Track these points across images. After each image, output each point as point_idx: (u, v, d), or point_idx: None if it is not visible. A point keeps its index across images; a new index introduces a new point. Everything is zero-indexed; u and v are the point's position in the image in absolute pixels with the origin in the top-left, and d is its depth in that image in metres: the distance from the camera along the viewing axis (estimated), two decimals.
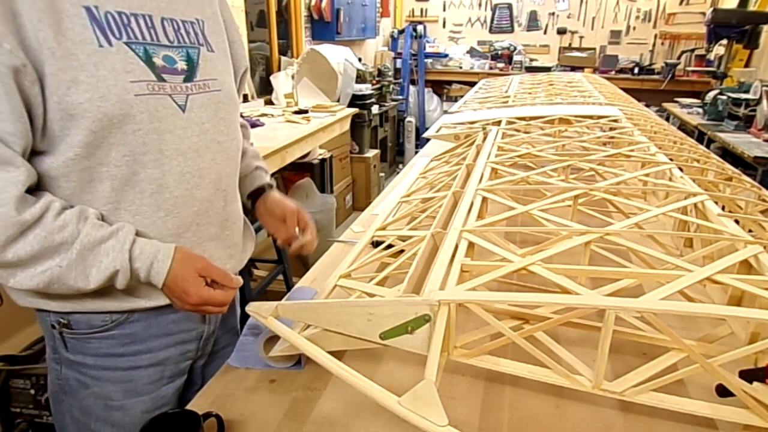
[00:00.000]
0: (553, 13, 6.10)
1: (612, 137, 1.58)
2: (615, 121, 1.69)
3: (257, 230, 1.22)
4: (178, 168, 0.80)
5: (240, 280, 0.83)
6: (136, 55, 0.74)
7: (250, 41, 3.78)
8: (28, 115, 0.68)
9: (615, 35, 5.94)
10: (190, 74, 0.80)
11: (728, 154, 2.95)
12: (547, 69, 5.52)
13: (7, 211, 0.66)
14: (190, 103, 0.80)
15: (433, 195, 1.21)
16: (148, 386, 0.89)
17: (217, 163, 0.87)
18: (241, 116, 1.05)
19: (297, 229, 1.04)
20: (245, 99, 3.47)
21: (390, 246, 1.05)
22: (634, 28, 5.88)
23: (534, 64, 6.09)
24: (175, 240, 0.82)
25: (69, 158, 0.71)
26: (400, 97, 5.74)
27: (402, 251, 1.01)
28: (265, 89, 3.89)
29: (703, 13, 4.97)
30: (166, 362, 0.90)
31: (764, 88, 3.17)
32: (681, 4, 5.64)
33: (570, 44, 6.12)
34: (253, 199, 1.07)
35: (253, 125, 2.85)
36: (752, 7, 4.23)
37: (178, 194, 0.81)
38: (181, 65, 0.79)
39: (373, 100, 4.46)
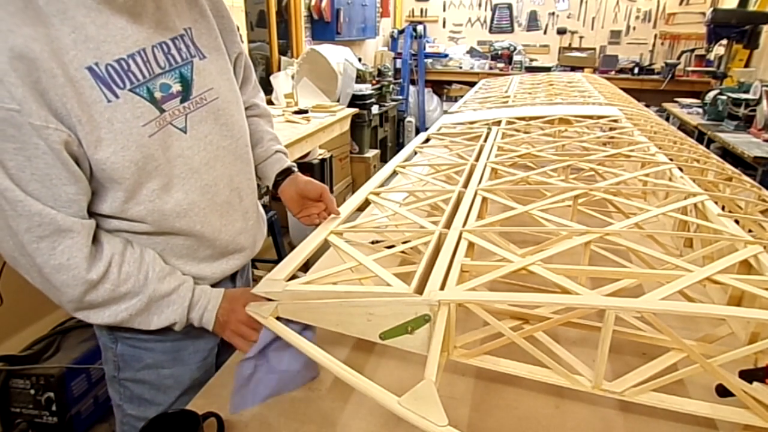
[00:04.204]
0: (553, 13, 6.10)
1: (612, 137, 1.58)
2: (615, 121, 1.69)
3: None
4: (197, 184, 0.86)
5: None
6: (142, 98, 0.77)
7: (250, 41, 3.78)
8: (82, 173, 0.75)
9: (615, 35, 5.94)
10: (186, 94, 0.84)
11: (728, 154, 2.95)
12: (547, 69, 5.52)
13: (78, 272, 0.75)
14: (189, 122, 0.84)
15: (433, 181, 1.21)
16: (194, 355, 0.98)
17: (227, 167, 0.92)
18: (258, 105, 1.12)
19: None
20: None
21: (391, 246, 1.05)
22: (634, 28, 5.88)
23: (534, 64, 6.09)
24: (213, 242, 0.91)
25: (115, 205, 0.79)
26: (400, 97, 5.73)
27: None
28: (265, 89, 3.86)
29: (703, 13, 4.98)
30: (207, 335, 0.96)
31: (764, 88, 3.17)
32: (681, 4, 5.64)
33: (570, 44, 6.12)
34: (277, 180, 1.12)
35: None
36: (752, 7, 4.23)
37: (204, 206, 0.88)
38: (176, 88, 0.82)
39: (373, 100, 4.45)
